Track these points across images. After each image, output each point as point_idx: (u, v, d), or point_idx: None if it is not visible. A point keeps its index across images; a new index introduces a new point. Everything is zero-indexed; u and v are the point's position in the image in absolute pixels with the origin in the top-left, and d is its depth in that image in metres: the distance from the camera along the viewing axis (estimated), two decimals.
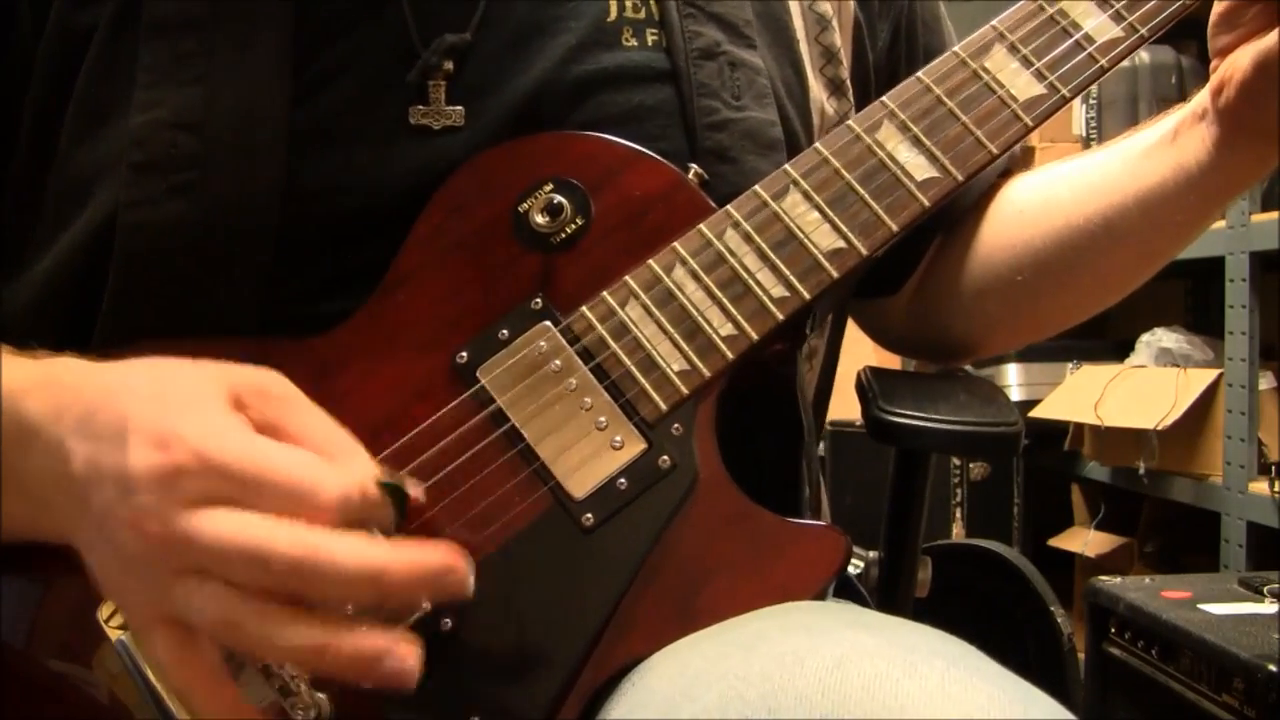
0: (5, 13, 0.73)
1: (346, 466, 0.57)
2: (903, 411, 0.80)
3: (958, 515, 2.60)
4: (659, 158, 0.72)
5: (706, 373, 0.69)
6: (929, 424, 0.80)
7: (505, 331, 0.69)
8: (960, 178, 0.72)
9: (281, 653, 0.56)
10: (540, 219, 0.70)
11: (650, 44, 0.76)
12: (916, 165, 0.72)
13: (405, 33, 0.73)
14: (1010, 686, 0.55)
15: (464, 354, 0.69)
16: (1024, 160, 2.84)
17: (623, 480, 0.67)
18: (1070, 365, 2.64)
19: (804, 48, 0.83)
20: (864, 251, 0.70)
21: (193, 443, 0.54)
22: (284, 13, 0.71)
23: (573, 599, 0.67)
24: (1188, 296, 2.90)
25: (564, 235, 0.70)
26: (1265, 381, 2.18)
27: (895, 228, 0.71)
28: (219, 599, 0.54)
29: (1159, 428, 2.23)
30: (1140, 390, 2.35)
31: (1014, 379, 2.67)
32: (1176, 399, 2.23)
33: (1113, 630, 1.62)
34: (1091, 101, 2.65)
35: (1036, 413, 2.52)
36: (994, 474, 2.63)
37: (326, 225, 0.71)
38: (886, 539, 0.91)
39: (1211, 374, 2.24)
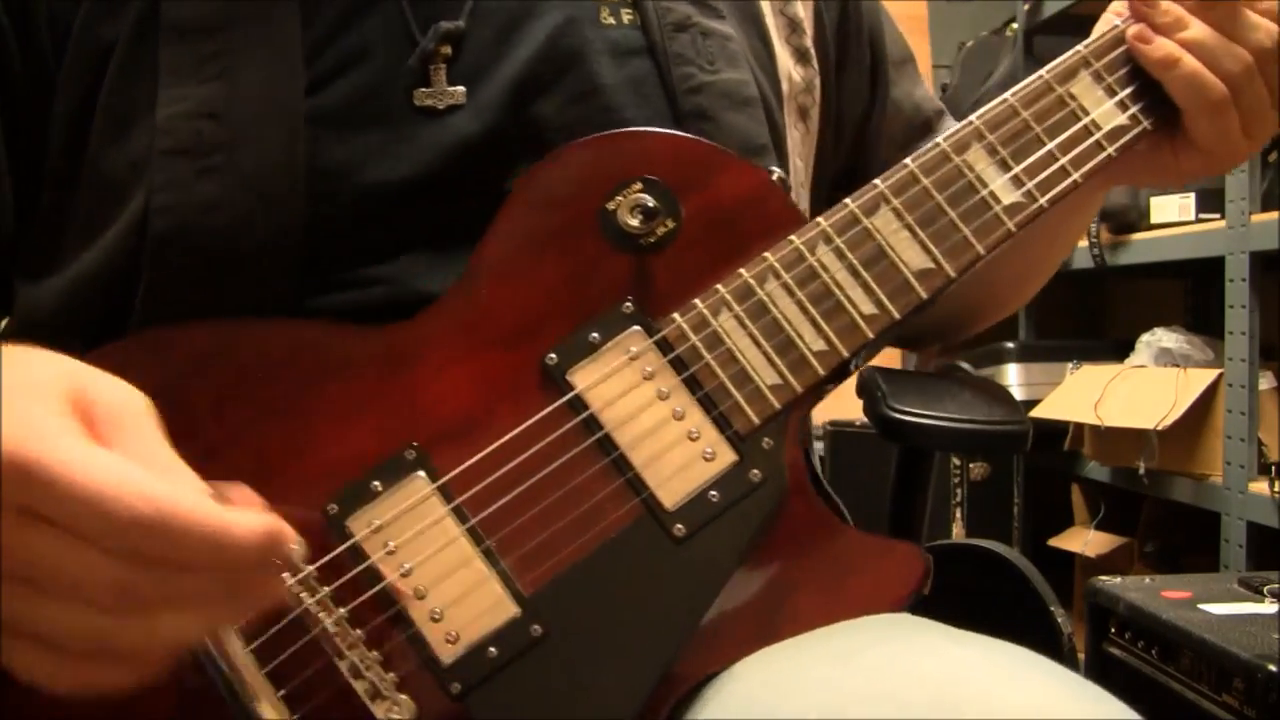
0: (28, 38, 0.75)
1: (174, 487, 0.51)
2: (913, 410, 0.81)
3: (958, 515, 2.60)
4: (747, 161, 0.74)
5: (798, 388, 0.69)
6: (940, 422, 0.81)
7: (596, 335, 0.69)
8: (1044, 204, 0.73)
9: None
10: (631, 219, 0.70)
11: (626, 22, 0.79)
12: (1003, 188, 0.73)
13: (404, 24, 0.76)
14: (1106, 698, 0.58)
15: (553, 355, 0.69)
16: None
17: (714, 492, 0.68)
18: (1070, 365, 2.64)
19: (769, 19, 0.86)
20: (952, 274, 0.71)
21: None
22: (292, 12, 0.74)
23: (660, 607, 0.67)
24: (1188, 296, 2.90)
25: (654, 237, 0.70)
26: (1265, 381, 2.17)
27: (983, 251, 0.72)
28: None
29: (1159, 428, 2.23)
30: (1140, 390, 2.35)
31: (1014, 379, 2.67)
32: (1176, 399, 2.23)
33: (1113, 630, 1.62)
34: None
35: (1036, 413, 2.52)
36: (994, 474, 2.62)
37: (349, 203, 0.73)
38: (890, 537, 0.92)
39: (1211, 374, 2.23)
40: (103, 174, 0.73)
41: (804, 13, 0.88)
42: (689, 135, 0.74)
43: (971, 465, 2.57)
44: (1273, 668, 1.30)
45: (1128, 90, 0.75)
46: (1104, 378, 2.43)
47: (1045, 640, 0.97)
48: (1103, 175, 0.78)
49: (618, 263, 0.70)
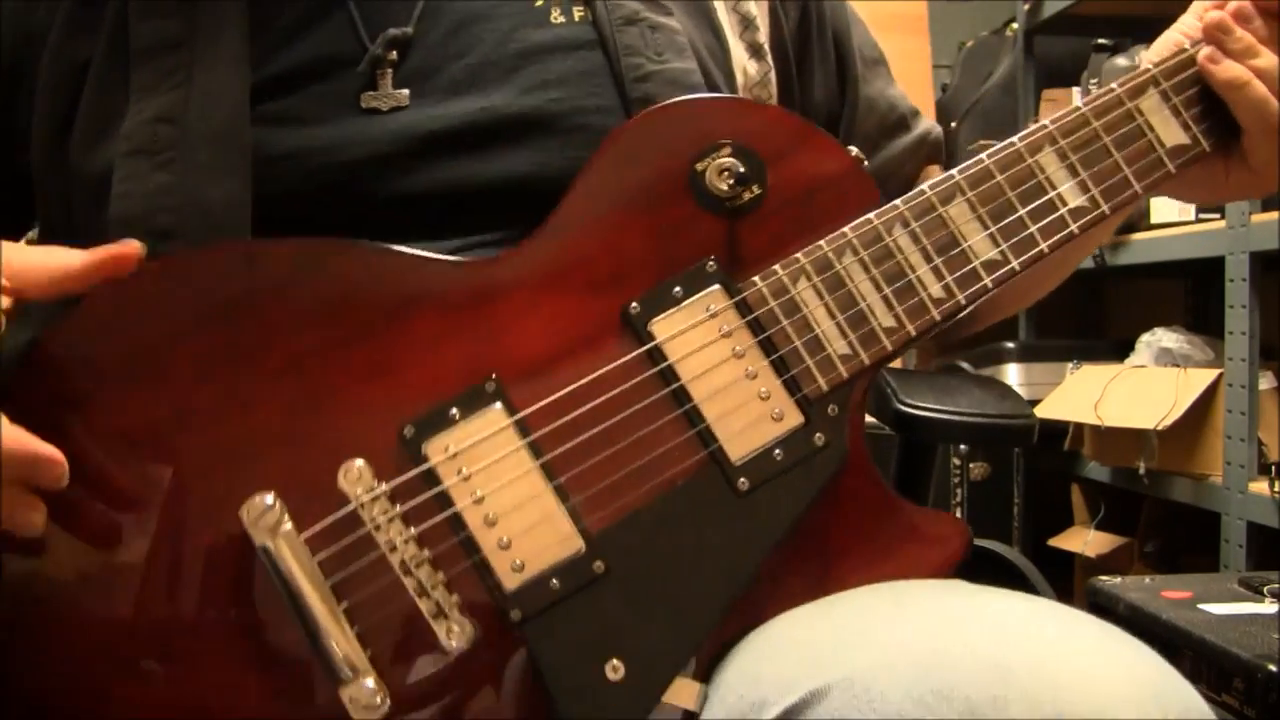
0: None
1: None
2: (926, 405, 0.84)
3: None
4: (833, 138, 0.77)
5: (866, 360, 0.73)
6: (952, 416, 0.85)
7: (679, 289, 0.72)
8: (1107, 211, 0.77)
9: None
10: (719, 183, 0.73)
11: (577, 19, 0.83)
12: (1070, 192, 0.76)
13: (355, 32, 0.81)
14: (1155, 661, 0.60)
15: (636, 305, 0.72)
16: None
17: (779, 451, 0.71)
18: (1070, 365, 2.64)
19: (723, 16, 0.89)
20: (1016, 267, 0.75)
21: None
22: (242, 28, 0.80)
23: (719, 557, 0.70)
24: (1188, 296, 2.90)
25: (740, 202, 0.74)
26: (1265, 381, 2.17)
27: (1046, 249, 0.76)
28: None
29: (1159, 428, 2.23)
30: (1140, 390, 2.35)
31: (1014, 379, 2.67)
32: (1176, 399, 2.23)
33: None
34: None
35: (1036, 412, 2.51)
36: (994, 474, 2.62)
37: (294, 191, 0.78)
38: None
39: (1211, 374, 2.23)
40: (84, 179, 0.80)
41: (757, 11, 0.91)
42: (780, 107, 0.79)
43: (971, 465, 2.57)
44: (1273, 668, 1.30)
45: (1192, 111, 0.80)
46: (1104, 378, 2.43)
47: None
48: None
49: (704, 222, 0.73)
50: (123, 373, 0.70)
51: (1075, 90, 2.78)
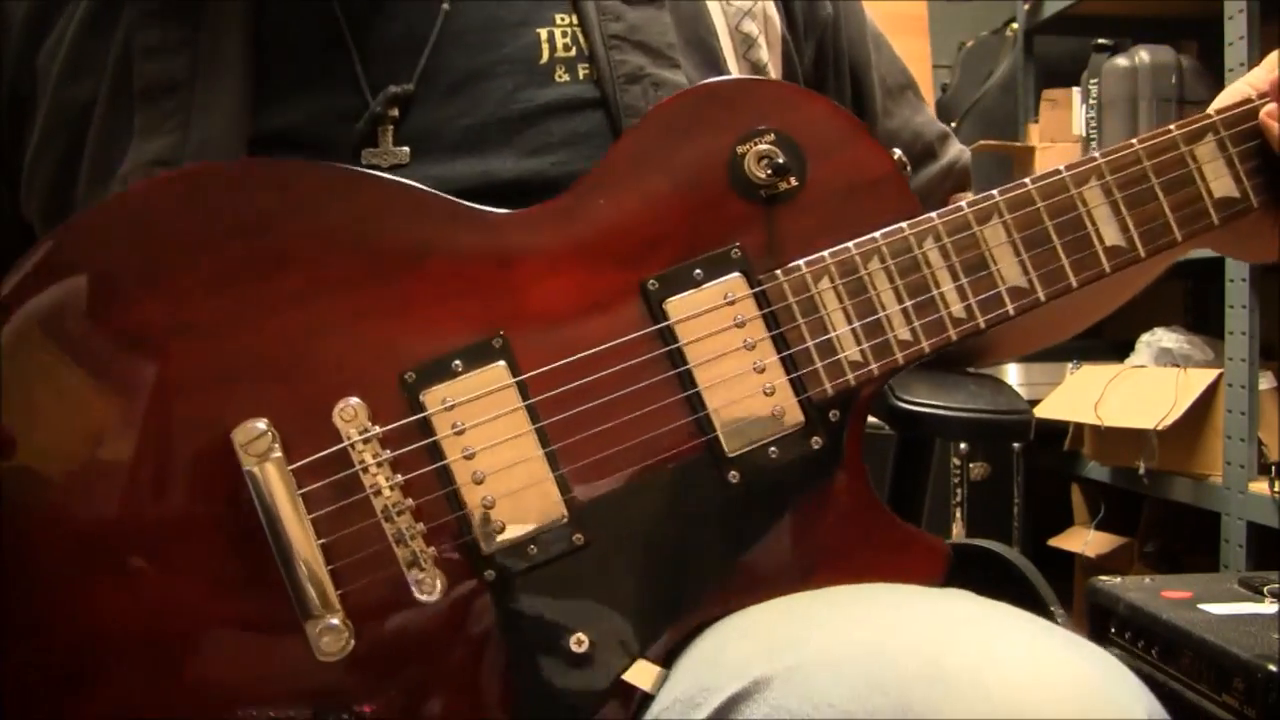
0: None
1: None
2: (923, 400, 0.84)
3: (958, 515, 2.60)
4: (879, 142, 0.76)
5: (876, 371, 0.72)
6: (949, 411, 0.84)
7: (700, 272, 0.72)
8: (1143, 254, 0.75)
9: None
10: (758, 171, 0.72)
11: (581, 77, 0.81)
12: (1109, 229, 0.75)
13: (357, 86, 0.79)
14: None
15: (655, 281, 0.71)
16: (1025, 160, 2.85)
17: (774, 449, 0.71)
18: (1070, 365, 2.64)
19: (733, 65, 0.88)
20: (1042, 298, 0.74)
21: None
22: (246, 74, 0.79)
23: (698, 545, 0.70)
24: (1188, 296, 2.90)
25: (776, 191, 0.73)
26: (1265, 381, 2.17)
27: (1075, 284, 0.74)
28: None
29: (1159, 428, 2.23)
30: (1140, 390, 2.35)
31: (1014, 379, 2.67)
32: (1176, 399, 2.23)
33: (1113, 630, 1.62)
34: (1092, 102, 2.65)
35: (1037, 412, 2.52)
36: (994, 474, 2.62)
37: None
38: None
39: (1211, 374, 2.23)
40: None
41: (768, 57, 0.90)
42: (832, 101, 0.76)
43: (971, 465, 2.56)
44: (1273, 668, 1.30)
45: (1247, 165, 0.78)
46: (1104, 378, 2.43)
47: None
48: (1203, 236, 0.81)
49: (735, 206, 0.73)
50: (134, 275, 0.69)
51: (1075, 90, 2.78)
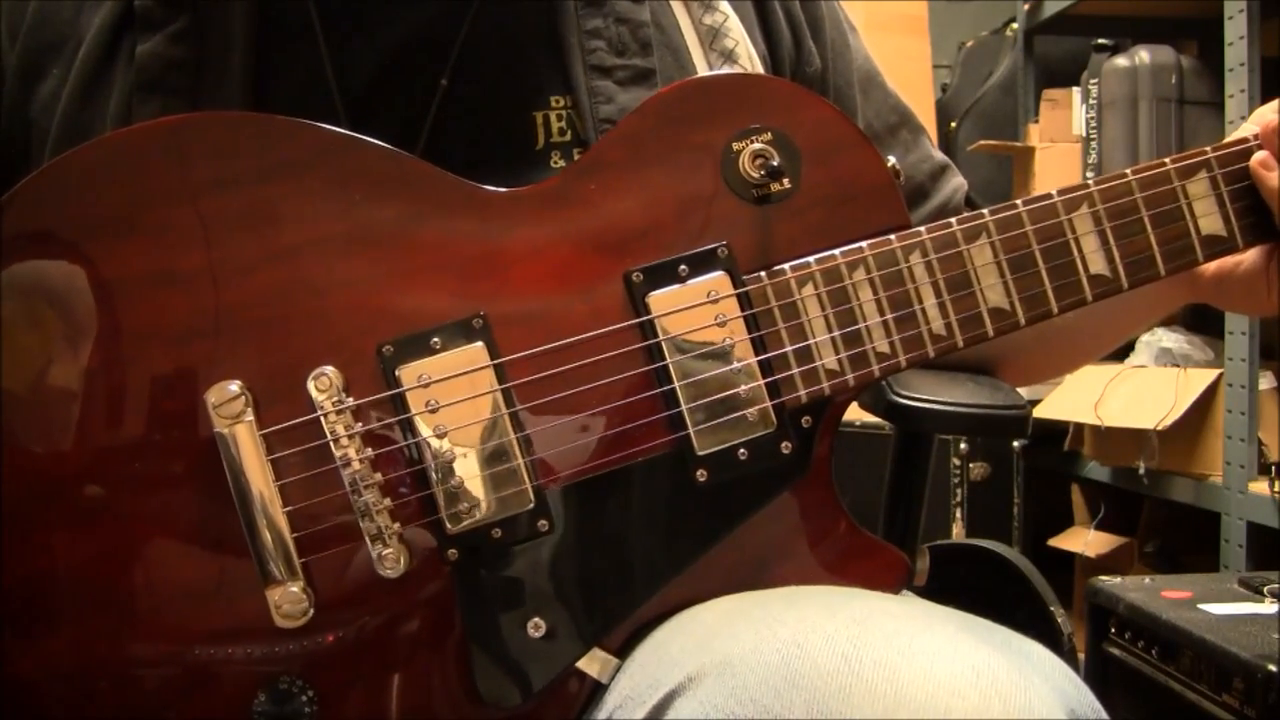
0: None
1: None
2: (922, 396, 0.84)
3: (958, 515, 2.60)
4: (878, 151, 0.75)
5: (851, 381, 0.72)
6: (947, 407, 0.84)
7: (685, 268, 0.71)
8: (1125, 285, 0.75)
9: None
10: (751, 170, 0.72)
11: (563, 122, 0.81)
12: (1095, 258, 0.75)
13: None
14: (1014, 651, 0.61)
15: (639, 274, 0.71)
16: (1024, 160, 2.85)
17: (744, 451, 0.71)
18: None
19: None
20: (1022, 321, 0.74)
21: None
22: (248, 83, 0.79)
23: (661, 541, 0.71)
24: None
25: (768, 192, 0.73)
26: (1265, 381, 2.17)
27: (1056, 310, 0.74)
28: None
29: (1159, 428, 2.23)
30: (1140, 390, 2.35)
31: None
32: (1176, 399, 2.23)
33: (1113, 630, 1.62)
34: (1092, 102, 2.65)
35: (1037, 413, 2.52)
36: (994, 474, 2.62)
37: None
38: (885, 528, 0.93)
39: (1211, 374, 2.23)
40: None
41: None
42: (834, 105, 0.76)
43: (971, 465, 2.56)
44: (1273, 668, 1.30)
45: (1237, 205, 0.77)
46: (1104, 378, 2.43)
47: (1045, 640, 0.98)
48: (1193, 288, 0.82)
49: (727, 203, 0.72)
50: (113, 219, 0.68)
51: (1075, 90, 2.78)
